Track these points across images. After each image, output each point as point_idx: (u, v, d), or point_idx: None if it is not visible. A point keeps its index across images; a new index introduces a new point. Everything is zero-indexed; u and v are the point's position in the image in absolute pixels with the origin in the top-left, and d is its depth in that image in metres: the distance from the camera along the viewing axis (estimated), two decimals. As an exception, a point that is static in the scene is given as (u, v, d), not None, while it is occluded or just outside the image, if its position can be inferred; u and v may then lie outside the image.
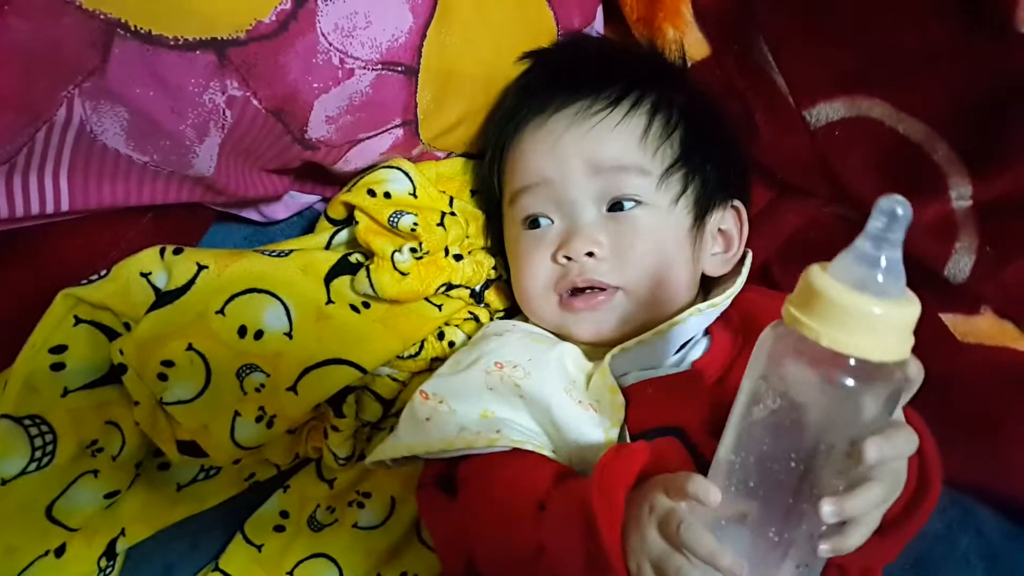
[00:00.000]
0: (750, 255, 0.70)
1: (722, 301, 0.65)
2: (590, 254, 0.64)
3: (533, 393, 0.60)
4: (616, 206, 0.65)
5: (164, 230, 0.70)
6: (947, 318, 0.78)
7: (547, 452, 0.59)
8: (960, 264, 0.74)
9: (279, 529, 0.71)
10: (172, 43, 0.55)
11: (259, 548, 0.71)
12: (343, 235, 0.71)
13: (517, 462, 0.58)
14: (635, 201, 0.65)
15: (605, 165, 0.65)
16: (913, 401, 0.70)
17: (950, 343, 0.77)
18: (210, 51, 0.56)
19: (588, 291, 0.65)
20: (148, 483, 0.70)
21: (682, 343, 0.66)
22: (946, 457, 0.70)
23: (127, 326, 0.65)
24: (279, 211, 0.76)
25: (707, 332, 0.67)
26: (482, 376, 0.62)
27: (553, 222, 0.67)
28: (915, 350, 0.74)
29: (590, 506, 0.48)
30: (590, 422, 0.59)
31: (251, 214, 0.75)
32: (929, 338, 0.76)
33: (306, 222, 0.79)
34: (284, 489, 0.73)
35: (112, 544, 0.68)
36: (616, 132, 0.65)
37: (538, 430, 0.61)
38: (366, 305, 0.67)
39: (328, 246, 0.71)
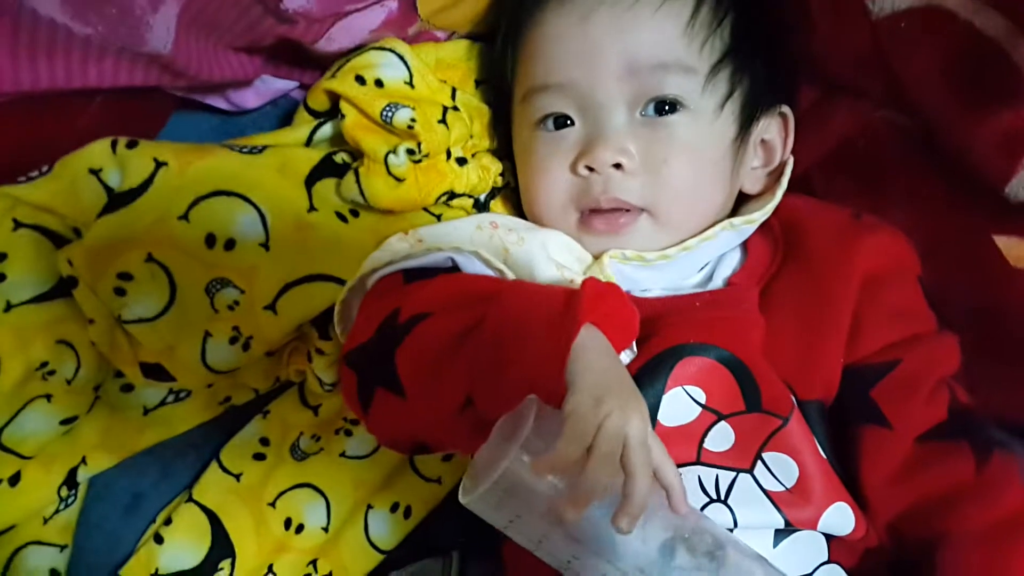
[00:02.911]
0: (791, 161, 0.62)
1: (759, 217, 0.58)
2: (617, 166, 0.55)
3: (520, 259, 0.53)
4: (652, 110, 0.56)
5: (116, 119, 0.59)
6: (1001, 240, 0.70)
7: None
8: (1025, 183, 0.66)
9: (259, 457, 0.65)
10: None
11: (237, 477, 0.64)
12: (326, 129, 0.62)
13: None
14: (675, 105, 0.55)
15: (643, 63, 0.55)
16: (961, 329, 0.65)
17: (1003, 267, 0.70)
18: None
19: (610, 211, 0.56)
20: (110, 407, 0.63)
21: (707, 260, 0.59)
22: (994, 390, 0.65)
23: (77, 232, 0.56)
24: (250, 98, 0.66)
25: (744, 245, 0.60)
26: (471, 228, 0.56)
27: (574, 123, 0.57)
28: (965, 273, 0.68)
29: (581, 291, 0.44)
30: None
31: (217, 101, 0.65)
32: (980, 261, 0.69)
33: (282, 112, 0.69)
34: (264, 414, 0.66)
35: (73, 472, 0.62)
36: (659, 16, 0.55)
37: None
38: (354, 213, 0.59)
39: (309, 142, 0.62)
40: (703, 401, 0.51)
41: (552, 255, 0.55)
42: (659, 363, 0.51)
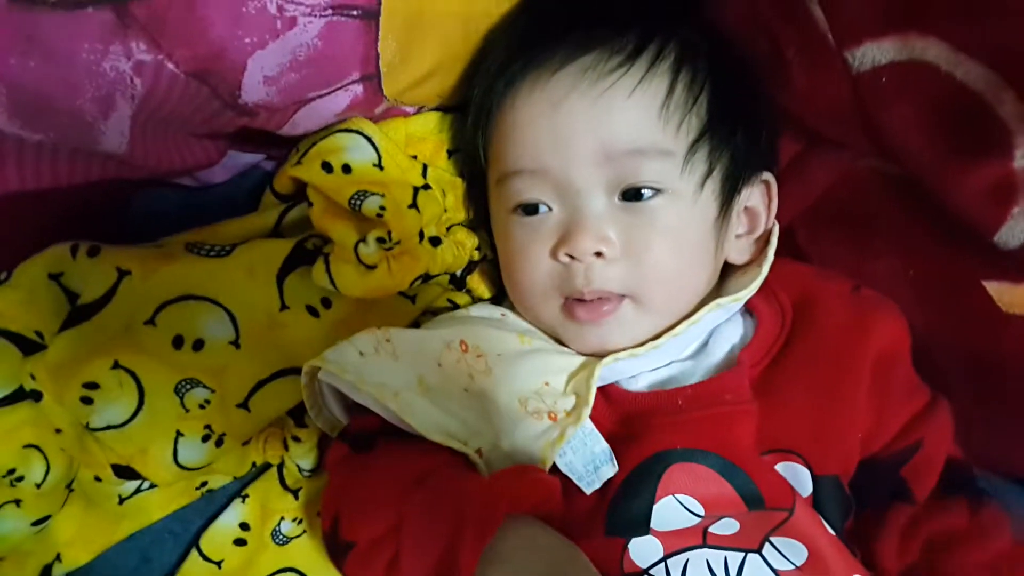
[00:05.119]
0: (776, 229, 0.60)
1: (745, 295, 0.56)
2: (598, 254, 0.53)
3: (482, 390, 0.52)
4: (631, 195, 0.54)
5: (75, 207, 0.57)
6: (992, 286, 0.69)
7: (457, 446, 0.50)
8: (1015, 230, 0.63)
9: (240, 543, 0.63)
10: (52, 0, 0.41)
11: (219, 564, 0.63)
12: (295, 213, 0.60)
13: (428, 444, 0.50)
14: (654, 190, 0.54)
15: (618, 150, 0.53)
16: (953, 376, 0.65)
17: (994, 314, 0.69)
18: (105, 8, 0.43)
19: (593, 300, 0.55)
20: (84, 499, 0.61)
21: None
22: (988, 438, 0.65)
23: (39, 334, 0.54)
24: (217, 174, 0.63)
25: (748, 310, 0.59)
26: (440, 346, 0.54)
27: (551, 209, 0.56)
28: (956, 320, 0.67)
29: (469, 502, 0.44)
30: (533, 430, 0.51)
31: (184, 180, 0.63)
32: (971, 308, 0.69)
33: (251, 184, 0.66)
34: (243, 499, 0.64)
35: (48, 569, 0.60)
36: (633, 100, 0.53)
37: (461, 426, 0.51)
38: (327, 304, 0.57)
39: (277, 226, 0.60)
40: (701, 513, 0.50)
41: (543, 376, 0.54)
42: (645, 471, 0.50)
